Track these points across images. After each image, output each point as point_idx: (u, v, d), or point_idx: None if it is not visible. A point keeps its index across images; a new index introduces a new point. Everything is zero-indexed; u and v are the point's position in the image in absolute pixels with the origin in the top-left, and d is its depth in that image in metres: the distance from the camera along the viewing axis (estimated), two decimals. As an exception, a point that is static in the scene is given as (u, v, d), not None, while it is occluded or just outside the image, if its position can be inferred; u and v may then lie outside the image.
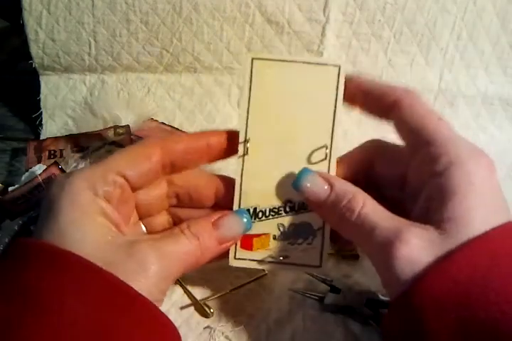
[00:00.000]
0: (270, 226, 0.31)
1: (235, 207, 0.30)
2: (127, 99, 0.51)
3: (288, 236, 0.31)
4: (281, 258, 0.31)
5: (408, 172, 0.29)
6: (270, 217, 0.30)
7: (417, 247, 0.24)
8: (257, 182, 0.30)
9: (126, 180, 0.28)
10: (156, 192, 0.31)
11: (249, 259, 0.31)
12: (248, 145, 0.30)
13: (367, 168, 0.31)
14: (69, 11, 0.47)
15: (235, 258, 0.31)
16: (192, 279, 0.37)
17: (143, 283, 0.25)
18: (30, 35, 0.48)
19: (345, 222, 0.27)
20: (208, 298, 0.35)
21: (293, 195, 0.30)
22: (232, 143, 0.30)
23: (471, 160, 0.26)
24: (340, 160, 0.31)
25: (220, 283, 0.36)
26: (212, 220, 0.29)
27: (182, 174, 0.31)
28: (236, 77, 0.50)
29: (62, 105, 0.51)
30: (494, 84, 0.51)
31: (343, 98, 0.30)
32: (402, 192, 0.30)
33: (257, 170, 0.30)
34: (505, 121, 0.52)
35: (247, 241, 0.31)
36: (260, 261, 0.31)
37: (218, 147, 0.30)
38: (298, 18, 0.47)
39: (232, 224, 0.30)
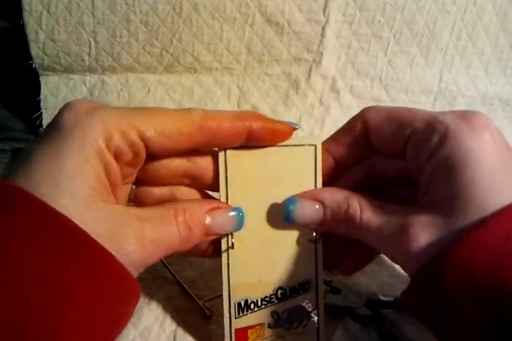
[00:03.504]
0: (263, 316, 0.29)
1: (225, 302, 0.29)
2: (127, 100, 0.51)
3: (283, 322, 0.30)
4: None
5: (408, 165, 0.27)
6: (263, 306, 0.29)
7: (431, 230, 0.23)
8: (246, 274, 0.29)
9: (146, 145, 0.25)
10: (173, 165, 0.28)
11: None
12: (233, 239, 0.28)
13: (360, 149, 0.29)
14: (69, 11, 0.47)
15: None
16: (192, 279, 0.37)
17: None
18: (30, 36, 0.47)
19: (352, 229, 0.27)
20: (207, 298, 0.35)
21: (284, 282, 0.29)
22: (272, 134, 0.28)
23: (464, 124, 0.24)
24: (329, 145, 0.29)
25: (220, 283, 0.36)
26: (207, 209, 0.27)
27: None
28: (236, 77, 0.50)
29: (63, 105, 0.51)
30: (494, 84, 0.51)
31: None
32: (408, 190, 0.28)
33: (245, 263, 0.29)
34: (505, 121, 0.52)
35: (241, 335, 0.29)
36: None
37: (258, 135, 0.27)
38: (298, 18, 0.47)
39: (226, 220, 0.28)
